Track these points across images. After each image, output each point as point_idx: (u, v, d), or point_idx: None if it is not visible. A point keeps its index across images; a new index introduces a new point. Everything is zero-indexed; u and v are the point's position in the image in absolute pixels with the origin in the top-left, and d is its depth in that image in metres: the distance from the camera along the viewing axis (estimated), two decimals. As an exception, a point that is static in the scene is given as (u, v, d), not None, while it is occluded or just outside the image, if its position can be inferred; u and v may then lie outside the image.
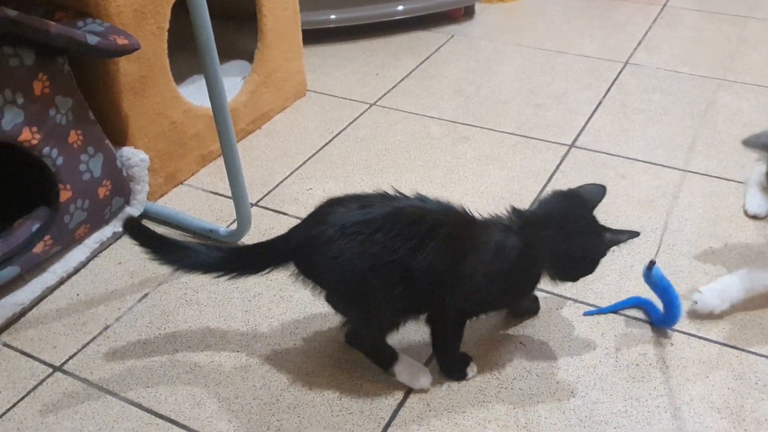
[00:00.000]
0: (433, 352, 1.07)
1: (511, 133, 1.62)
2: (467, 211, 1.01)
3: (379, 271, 0.93)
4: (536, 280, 1.02)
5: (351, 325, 1.05)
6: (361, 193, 1.01)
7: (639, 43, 1.98)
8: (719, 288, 1.12)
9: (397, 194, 1.00)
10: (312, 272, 0.99)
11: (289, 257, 1.00)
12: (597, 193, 1.03)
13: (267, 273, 1.01)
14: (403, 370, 1.03)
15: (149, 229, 1.03)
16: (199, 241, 1.02)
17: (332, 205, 0.99)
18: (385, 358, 1.04)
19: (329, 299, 1.05)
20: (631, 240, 0.99)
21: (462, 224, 0.99)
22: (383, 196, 0.99)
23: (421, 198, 1.00)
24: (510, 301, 1.09)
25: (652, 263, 1.06)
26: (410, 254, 0.93)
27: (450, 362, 1.06)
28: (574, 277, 1.03)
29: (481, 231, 0.98)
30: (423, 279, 0.94)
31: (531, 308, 1.15)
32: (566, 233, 0.97)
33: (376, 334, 1.03)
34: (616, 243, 0.99)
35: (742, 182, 1.43)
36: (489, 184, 1.46)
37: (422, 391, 1.03)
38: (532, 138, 1.60)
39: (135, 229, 1.02)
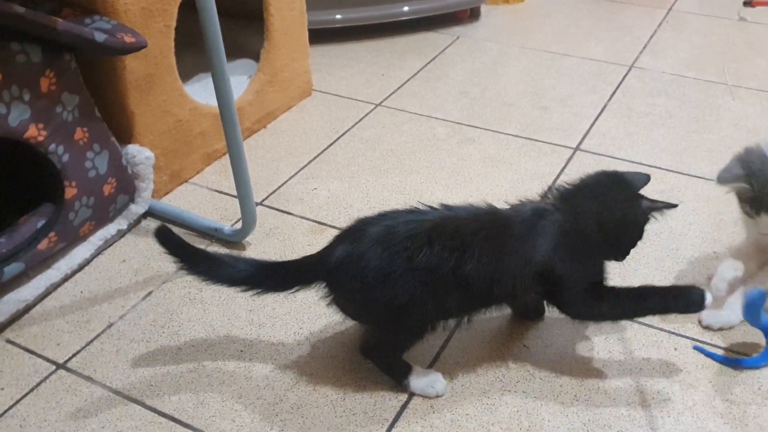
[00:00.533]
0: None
1: (516, 136, 1.62)
2: (493, 206, 1.03)
3: (429, 284, 0.95)
4: (598, 262, 1.02)
5: (372, 338, 1.05)
6: (391, 210, 1.01)
7: (645, 47, 1.98)
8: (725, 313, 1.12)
9: (425, 207, 1.01)
10: (351, 292, 0.98)
11: (322, 277, 0.99)
12: (640, 178, 1.04)
13: (294, 292, 1.01)
14: (417, 382, 1.03)
15: (179, 237, 1.02)
16: (230, 252, 1.01)
17: (368, 225, 0.99)
18: (400, 371, 1.04)
19: (357, 317, 1.05)
20: (668, 210, 1.01)
21: (496, 223, 1.00)
22: (415, 212, 1.01)
23: (448, 207, 1.02)
24: (597, 270, 1.04)
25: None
26: (457, 264, 0.95)
27: (673, 307, 1.03)
28: (624, 247, 1.03)
29: (515, 221, 1.00)
30: (476, 282, 0.96)
31: (537, 312, 1.15)
32: (606, 201, 1.00)
33: (402, 349, 1.03)
34: (654, 209, 1.01)
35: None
36: (494, 186, 1.46)
37: (438, 396, 1.03)
38: (537, 140, 1.60)
39: (166, 237, 1.01)
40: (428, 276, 0.95)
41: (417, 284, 0.95)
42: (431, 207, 1.01)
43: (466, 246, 0.96)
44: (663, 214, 1.02)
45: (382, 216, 1.00)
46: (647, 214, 1.01)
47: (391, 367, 1.04)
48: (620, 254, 1.04)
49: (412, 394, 1.04)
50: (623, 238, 1.02)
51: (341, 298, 1.01)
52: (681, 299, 1.01)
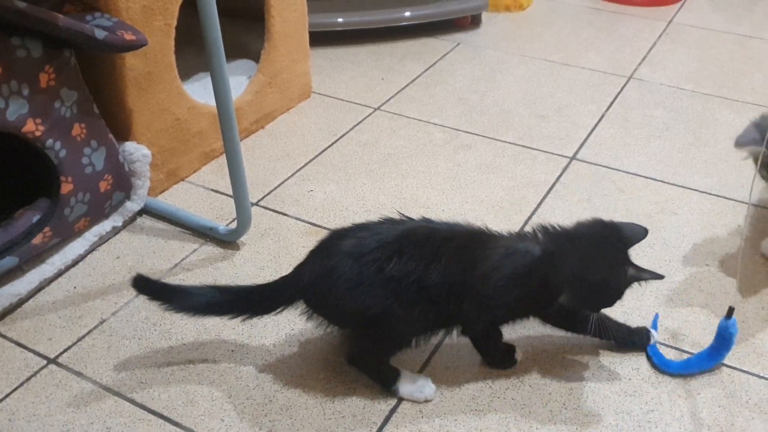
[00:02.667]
0: (474, 347, 1.08)
1: (513, 143, 1.62)
2: (477, 226, 1.02)
3: (398, 294, 0.95)
4: (552, 297, 1.00)
5: (356, 347, 1.05)
6: (366, 222, 1.02)
7: (644, 59, 1.99)
8: None
9: (403, 218, 1.02)
10: (326, 306, 1.00)
11: (300, 295, 1.00)
12: (637, 232, 1.00)
13: (279, 312, 1.02)
14: (405, 387, 1.03)
15: (157, 282, 1.05)
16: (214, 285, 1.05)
17: (340, 237, 1.00)
18: (388, 377, 1.04)
19: (338, 324, 1.05)
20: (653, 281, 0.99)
21: (471, 236, 1.00)
22: (389, 221, 1.01)
23: (426, 220, 1.02)
24: (528, 312, 1.05)
25: (731, 310, 1.03)
26: (425, 272, 0.95)
27: (494, 358, 1.08)
28: (590, 305, 1.01)
29: (493, 240, 1.00)
30: (440, 294, 0.96)
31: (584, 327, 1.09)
32: (589, 255, 0.96)
33: (386, 356, 1.04)
34: (637, 280, 0.97)
35: (740, 201, 1.44)
36: (489, 193, 1.46)
37: (426, 401, 1.03)
38: (534, 149, 1.60)
39: (143, 284, 1.03)
40: (397, 286, 0.95)
41: (387, 294, 0.95)
42: (408, 218, 1.01)
43: (435, 253, 0.95)
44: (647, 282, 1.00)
45: (356, 227, 1.01)
46: (629, 284, 0.98)
47: (378, 374, 1.05)
48: (592, 308, 1.02)
49: (401, 399, 1.04)
50: (597, 297, 0.98)
51: (319, 313, 1.02)
52: (499, 361, 1.08)
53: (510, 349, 1.09)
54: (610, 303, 0.99)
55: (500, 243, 0.99)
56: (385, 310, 0.96)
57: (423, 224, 1.01)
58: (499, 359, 1.08)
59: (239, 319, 1.03)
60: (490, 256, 0.97)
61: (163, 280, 1.24)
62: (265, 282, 1.04)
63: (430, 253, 0.96)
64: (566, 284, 0.97)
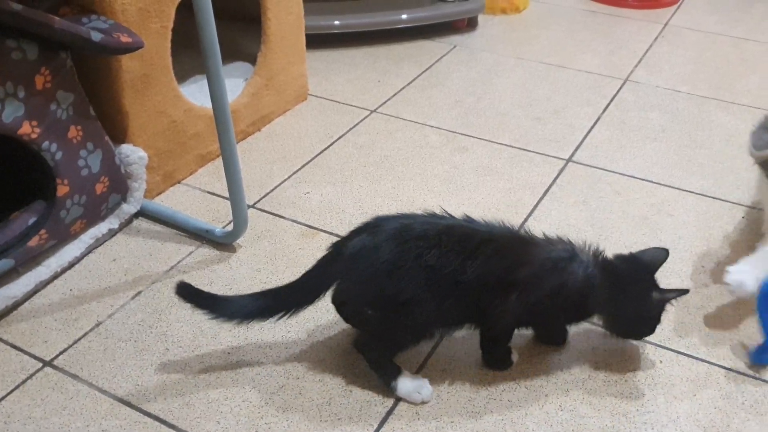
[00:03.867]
0: (480, 345, 1.09)
1: (509, 146, 1.63)
2: (516, 229, 1.05)
3: (432, 284, 0.97)
4: (586, 315, 1.07)
5: (368, 334, 1.05)
6: (410, 213, 1.04)
7: (640, 61, 2.00)
8: (747, 268, 1.10)
9: (445, 214, 1.03)
10: (360, 283, 1.00)
11: (338, 267, 1.01)
12: (658, 256, 1.07)
13: (320, 299, 1.02)
14: (403, 386, 1.03)
15: (201, 291, 1.04)
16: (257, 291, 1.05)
17: (385, 221, 1.01)
18: (388, 373, 1.04)
19: (353, 312, 1.06)
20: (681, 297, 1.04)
21: (511, 240, 1.02)
22: (432, 215, 1.03)
23: (468, 219, 1.04)
24: (560, 321, 1.11)
25: None
26: (460, 268, 0.97)
27: (494, 359, 1.09)
28: (628, 334, 1.09)
29: (534, 247, 1.02)
30: (471, 291, 0.98)
31: (558, 339, 1.14)
32: (616, 294, 1.02)
33: (397, 350, 1.05)
34: (665, 302, 1.05)
35: (736, 203, 1.44)
36: (485, 195, 1.46)
37: (423, 403, 1.03)
38: (530, 151, 1.61)
39: (187, 292, 1.03)
40: (433, 276, 0.96)
41: (422, 283, 0.97)
42: (450, 215, 1.03)
43: (474, 251, 0.97)
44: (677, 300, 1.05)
45: (400, 216, 1.03)
46: (659, 307, 1.04)
47: (381, 366, 1.05)
48: (636, 336, 1.10)
49: (398, 400, 1.04)
50: (634, 328, 1.07)
51: (349, 293, 1.02)
52: (498, 361, 1.09)
53: (507, 351, 1.09)
54: (650, 330, 1.07)
55: (549, 253, 1.01)
56: (416, 296, 0.97)
57: (465, 222, 1.03)
58: (498, 360, 1.09)
59: (287, 316, 1.02)
60: (536, 263, 1.00)
61: (159, 283, 1.24)
62: (305, 271, 1.03)
63: (468, 250, 0.97)
64: (604, 313, 1.05)
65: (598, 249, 1.04)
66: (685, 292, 1.03)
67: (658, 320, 1.06)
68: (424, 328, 1.02)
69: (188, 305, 1.03)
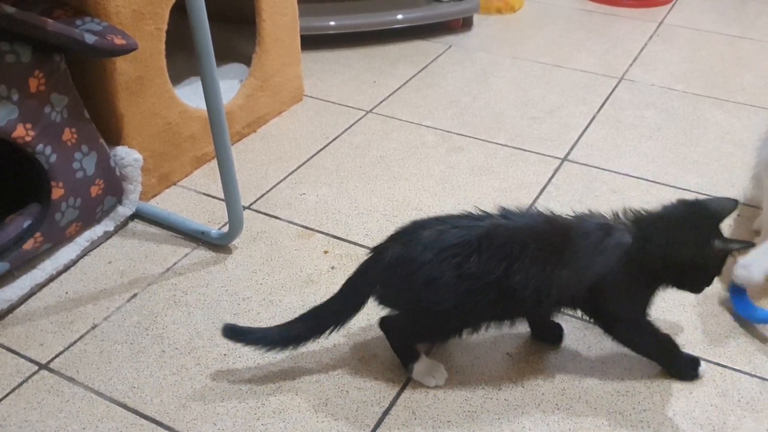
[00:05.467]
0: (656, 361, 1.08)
1: (505, 145, 1.63)
2: (557, 215, 1.01)
3: (474, 292, 0.95)
4: (656, 282, 1.00)
5: (398, 320, 1.05)
6: (446, 215, 1.02)
7: (635, 60, 2.00)
8: (755, 260, 1.11)
9: (481, 212, 1.00)
10: (398, 293, 1.00)
11: (377, 276, 1.00)
12: (726, 205, 1.00)
13: (363, 305, 1.02)
14: (420, 368, 1.04)
15: (249, 328, 1.04)
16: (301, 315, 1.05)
17: (420, 228, 0.99)
18: (408, 355, 1.05)
19: (403, 308, 1.05)
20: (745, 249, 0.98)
21: (554, 232, 0.99)
22: (469, 217, 1.00)
23: (505, 214, 1.00)
24: (643, 301, 1.02)
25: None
26: (506, 273, 0.94)
27: (674, 367, 1.06)
28: (688, 286, 1.01)
29: (578, 233, 0.98)
30: (522, 294, 0.96)
31: (554, 336, 1.13)
32: (677, 239, 0.96)
33: (425, 340, 1.06)
34: (726, 252, 0.97)
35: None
36: (481, 195, 1.46)
37: (437, 387, 1.05)
38: (526, 150, 1.61)
39: (235, 333, 1.04)
40: (474, 284, 0.95)
41: (463, 292, 0.95)
42: (487, 213, 1.00)
43: (516, 256, 0.95)
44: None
45: (436, 220, 1.00)
46: (719, 257, 0.98)
47: (402, 350, 1.06)
48: (693, 289, 1.03)
49: (394, 400, 1.04)
50: (692, 276, 1.00)
51: (388, 297, 1.02)
52: (680, 368, 1.06)
53: (693, 361, 1.06)
54: (708, 281, 1.00)
55: (586, 237, 0.97)
56: (455, 305, 0.96)
57: (503, 222, 0.99)
58: (680, 369, 1.06)
59: (338, 330, 1.03)
60: (578, 253, 0.96)
61: (155, 285, 1.24)
62: (346, 280, 1.03)
63: (512, 254, 0.95)
64: (661, 269, 0.97)
65: (635, 210, 0.99)
66: (750, 244, 0.97)
67: (718, 271, 0.99)
68: (459, 330, 1.03)
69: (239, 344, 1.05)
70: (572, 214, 1.02)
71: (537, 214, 1.02)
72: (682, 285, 1.01)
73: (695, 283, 1.02)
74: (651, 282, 1.00)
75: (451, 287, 0.95)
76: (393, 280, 0.99)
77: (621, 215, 1.00)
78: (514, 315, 1.04)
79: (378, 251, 1.01)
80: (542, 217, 1.01)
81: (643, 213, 1.00)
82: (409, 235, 0.99)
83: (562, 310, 1.04)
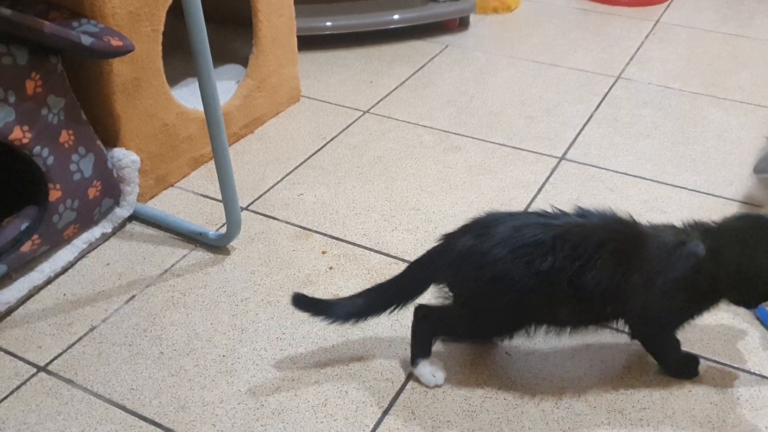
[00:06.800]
0: (652, 356, 1.08)
1: (502, 144, 1.63)
2: (633, 220, 1.01)
3: (543, 292, 0.95)
4: (717, 297, 1.00)
5: (440, 312, 1.04)
6: (520, 212, 1.02)
7: (631, 58, 2.00)
8: None
9: (557, 211, 1.00)
10: (466, 283, 1.00)
11: (446, 264, 1.00)
12: None
13: (424, 292, 1.03)
14: (423, 367, 1.05)
15: (315, 298, 1.05)
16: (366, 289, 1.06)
17: (496, 221, 0.99)
18: (422, 350, 1.05)
19: (466, 299, 1.04)
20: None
21: (628, 236, 0.99)
22: (543, 216, 1.00)
23: (581, 213, 1.00)
24: (693, 314, 1.03)
25: None
26: (577, 274, 0.94)
27: (674, 367, 1.07)
28: (747, 301, 1.01)
29: (651, 239, 0.98)
30: (592, 296, 0.96)
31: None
32: (749, 250, 0.96)
33: (459, 338, 1.06)
34: None
35: (729, 198, 1.45)
36: (479, 194, 1.46)
37: (437, 386, 1.05)
38: (523, 149, 1.61)
39: (303, 302, 1.05)
40: (544, 283, 0.95)
41: (532, 290, 0.95)
42: (562, 211, 1.00)
43: (590, 257, 0.95)
44: None
45: (511, 216, 1.00)
46: None
47: (422, 342, 1.05)
48: (750, 303, 1.02)
49: (393, 401, 1.04)
50: (756, 290, 0.98)
51: (456, 285, 1.02)
52: (679, 367, 1.07)
53: (692, 359, 1.06)
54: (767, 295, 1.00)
55: (660, 244, 0.98)
56: (523, 304, 0.96)
57: (578, 222, 0.98)
58: (678, 368, 1.07)
59: (398, 309, 1.03)
60: (651, 259, 0.97)
61: (153, 287, 1.24)
62: (411, 263, 1.04)
63: (584, 255, 0.95)
64: (731, 281, 0.97)
65: (704, 222, 1.00)
66: None
67: None
68: (510, 330, 1.03)
69: (304, 313, 1.05)
70: (646, 223, 1.02)
71: (611, 214, 1.01)
72: (740, 299, 1.00)
73: (757, 297, 1.00)
74: (713, 295, 1.00)
75: (521, 285, 0.95)
76: (460, 270, 0.99)
77: (690, 227, 1.00)
78: (577, 320, 1.02)
79: (449, 239, 1.01)
80: (616, 218, 1.01)
81: (712, 225, 1.00)
82: (483, 228, 0.99)
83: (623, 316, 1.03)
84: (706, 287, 0.98)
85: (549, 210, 1.01)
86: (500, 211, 1.02)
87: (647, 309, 0.99)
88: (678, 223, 1.01)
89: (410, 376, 1.07)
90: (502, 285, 0.96)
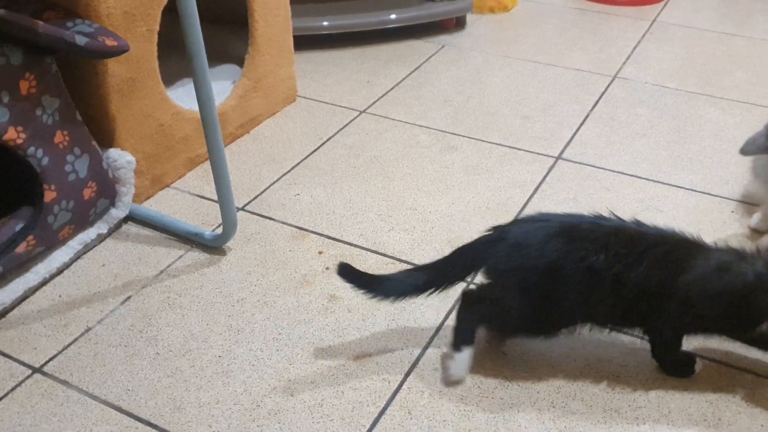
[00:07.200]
0: (652, 354, 1.08)
1: (499, 144, 1.63)
2: (688, 235, 1.02)
3: (595, 286, 0.97)
4: (754, 323, 1.00)
5: (493, 305, 1.04)
6: (576, 213, 1.04)
7: (628, 58, 2.00)
8: None
9: (613, 216, 1.02)
10: (519, 273, 1.00)
11: (496, 252, 1.01)
12: None
13: (465, 278, 1.05)
14: (464, 357, 1.04)
15: (360, 272, 1.06)
16: (399, 270, 1.07)
17: (551, 217, 1.01)
18: (466, 338, 1.04)
19: (508, 292, 1.04)
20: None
21: (680, 244, 1.00)
22: (600, 217, 1.02)
23: (638, 223, 1.02)
24: (723, 331, 1.05)
25: None
26: (624, 271, 0.96)
27: (671, 365, 1.07)
28: None
29: (704, 252, 1.00)
30: (635, 295, 0.97)
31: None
32: None
33: (508, 332, 1.06)
34: None
35: (725, 197, 1.45)
36: (475, 194, 1.46)
37: (450, 379, 1.05)
38: (519, 149, 1.61)
39: (348, 272, 1.06)
40: (593, 278, 0.96)
41: (583, 285, 0.97)
42: (618, 217, 1.02)
43: (639, 255, 0.96)
44: None
45: (566, 214, 1.03)
46: None
47: (467, 329, 1.05)
48: None
49: (390, 400, 1.04)
50: None
51: (504, 274, 1.02)
52: (676, 365, 1.07)
53: (689, 358, 1.07)
54: None
55: (712, 256, 0.99)
56: (573, 297, 0.97)
57: (633, 225, 1.01)
58: (676, 368, 1.07)
59: (438, 292, 1.04)
60: (699, 266, 0.98)
61: (149, 288, 1.24)
62: (457, 248, 1.04)
63: (634, 254, 0.96)
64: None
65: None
66: None
67: None
68: (562, 326, 1.03)
69: (350, 284, 1.06)
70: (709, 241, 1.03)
71: (668, 228, 1.02)
72: None
73: None
74: (749, 321, 1.00)
75: (572, 279, 0.96)
76: (518, 258, 0.99)
77: (749, 252, 1.00)
78: (612, 318, 1.03)
79: (500, 230, 1.02)
80: (672, 232, 1.02)
81: None
82: (536, 222, 1.01)
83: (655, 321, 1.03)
84: (744, 310, 0.98)
85: (605, 215, 1.03)
86: (561, 213, 1.03)
87: (681, 314, 0.99)
88: (740, 247, 1.01)
89: (407, 377, 1.07)
90: (556, 277, 0.97)
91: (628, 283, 0.97)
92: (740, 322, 1.01)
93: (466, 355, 1.04)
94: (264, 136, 1.66)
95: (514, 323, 1.05)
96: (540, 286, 0.99)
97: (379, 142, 1.63)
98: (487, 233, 1.03)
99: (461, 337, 1.05)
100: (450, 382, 1.05)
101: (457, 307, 1.09)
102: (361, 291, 1.05)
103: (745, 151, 1.21)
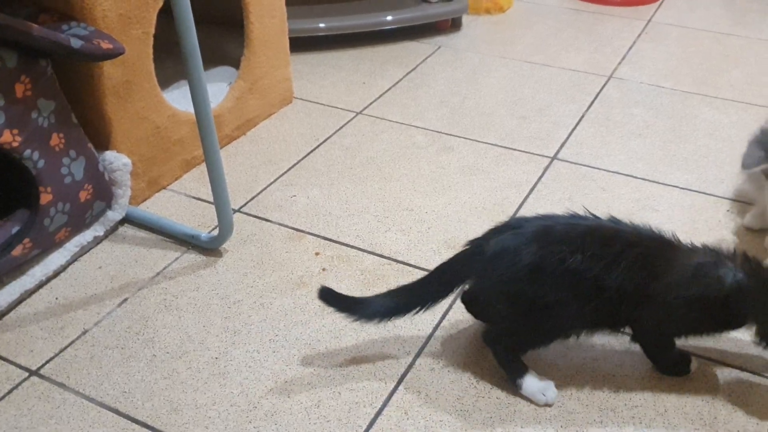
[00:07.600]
0: (646, 355, 1.08)
1: (495, 144, 1.63)
2: (666, 234, 1.01)
3: (575, 287, 0.96)
4: (733, 326, 1.01)
5: (501, 330, 1.04)
6: (551, 213, 1.03)
7: (623, 58, 2.01)
8: None
9: (589, 215, 1.02)
10: (501, 284, 0.99)
11: (476, 267, 1.01)
12: None
13: (449, 295, 1.03)
14: (530, 385, 1.03)
15: (342, 294, 1.06)
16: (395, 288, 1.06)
17: (525, 221, 1.01)
18: (516, 370, 1.04)
19: (486, 308, 1.05)
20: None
21: (657, 245, 1.00)
22: (574, 216, 1.01)
23: (614, 220, 1.02)
24: (704, 332, 1.05)
25: None
26: (604, 272, 0.95)
27: (666, 364, 1.07)
28: None
29: (681, 254, 0.99)
30: (614, 296, 0.96)
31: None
32: None
33: (529, 348, 1.05)
34: None
35: (720, 196, 1.45)
36: (472, 194, 1.46)
37: (546, 405, 1.03)
38: (515, 149, 1.61)
39: (329, 296, 1.05)
40: (575, 280, 0.96)
41: (564, 287, 0.96)
42: (594, 216, 1.02)
43: (617, 256, 0.96)
44: None
45: (540, 217, 1.02)
46: None
47: (509, 363, 1.05)
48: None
49: (386, 401, 1.04)
50: None
51: (487, 291, 1.02)
52: (671, 364, 1.07)
53: (684, 357, 1.07)
54: None
55: (690, 260, 0.98)
56: (557, 300, 0.97)
57: (609, 224, 1.01)
58: (672, 367, 1.07)
59: (424, 310, 1.03)
60: (677, 270, 0.97)
61: (146, 290, 1.24)
62: (437, 266, 1.04)
63: (611, 254, 0.96)
64: (758, 321, 0.99)
65: (748, 254, 0.99)
66: None
67: None
68: (561, 330, 1.02)
69: (331, 308, 1.06)
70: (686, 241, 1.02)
71: (646, 226, 1.02)
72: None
73: None
74: (736, 321, 1.00)
75: (554, 281, 0.96)
76: (495, 271, 0.98)
77: (726, 253, 1.00)
78: (611, 320, 1.03)
79: (476, 244, 1.02)
80: (650, 229, 1.01)
81: (750, 258, 0.99)
82: (511, 228, 1.00)
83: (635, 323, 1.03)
84: (722, 314, 0.98)
85: (580, 213, 1.02)
86: (534, 215, 1.03)
87: (659, 318, 0.99)
88: (717, 247, 1.01)
89: (403, 377, 1.07)
90: (538, 279, 0.96)
91: (607, 286, 0.96)
92: (720, 325, 1.02)
93: (529, 379, 1.03)
94: (260, 138, 1.66)
95: (518, 338, 1.04)
96: (525, 294, 0.98)
97: (376, 143, 1.64)
98: (464, 248, 1.03)
99: (511, 373, 1.04)
100: (549, 404, 1.03)
101: (469, 325, 1.09)
102: (343, 314, 1.04)
103: (746, 165, 1.21)
